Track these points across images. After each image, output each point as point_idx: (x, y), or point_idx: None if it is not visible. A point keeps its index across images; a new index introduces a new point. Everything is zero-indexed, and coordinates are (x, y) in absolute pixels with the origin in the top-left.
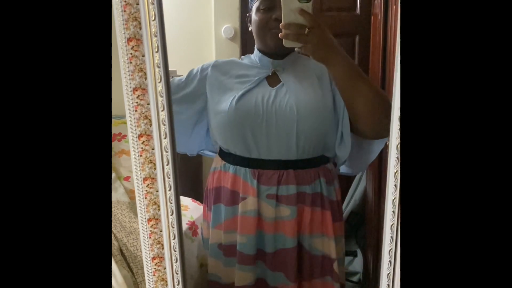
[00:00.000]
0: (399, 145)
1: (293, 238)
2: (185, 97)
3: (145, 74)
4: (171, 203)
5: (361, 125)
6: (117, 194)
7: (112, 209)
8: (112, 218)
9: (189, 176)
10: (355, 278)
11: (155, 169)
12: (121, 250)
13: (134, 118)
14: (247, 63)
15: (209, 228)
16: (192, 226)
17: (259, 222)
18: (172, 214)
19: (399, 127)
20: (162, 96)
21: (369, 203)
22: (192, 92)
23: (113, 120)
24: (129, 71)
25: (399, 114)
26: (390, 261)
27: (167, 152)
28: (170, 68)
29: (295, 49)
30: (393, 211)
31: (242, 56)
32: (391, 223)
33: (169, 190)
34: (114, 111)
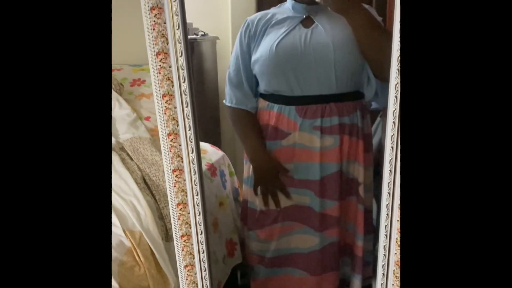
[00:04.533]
0: (398, 85)
1: (338, 163)
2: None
3: None
4: (188, 119)
5: (376, 70)
6: (139, 132)
7: (135, 144)
8: (135, 152)
9: (207, 124)
10: None
11: (172, 86)
12: (144, 180)
13: (152, 37)
14: (281, 11)
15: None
16: (211, 167)
17: (305, 153)
18: (190, 130)
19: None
20: (177, 15)
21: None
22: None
23: (132, 68)
24: None
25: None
26: (387, 214)
27: (183, 70)
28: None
29: (317, 0)
30: (390, 170)
31: (273, 8)
32: (388, 181)
33: (186, 106)
34: (133, 60)
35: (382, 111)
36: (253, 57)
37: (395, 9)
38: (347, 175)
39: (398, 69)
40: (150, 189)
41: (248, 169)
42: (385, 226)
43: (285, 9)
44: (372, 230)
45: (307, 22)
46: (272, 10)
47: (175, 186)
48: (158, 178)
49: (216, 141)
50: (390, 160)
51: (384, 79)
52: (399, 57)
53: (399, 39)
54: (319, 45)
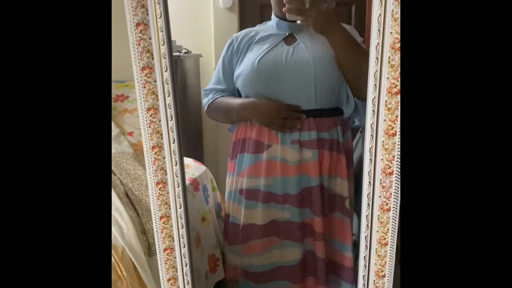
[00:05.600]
0: (375, 99)
1: (316, 178)
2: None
3: (147, 10)
4: (172, 132)
5: (355, 90)
6: (122, 146)
7: (118, 159)
8: (118, 167)
9: (190, 139)
10: None
11: (157, 100)
12: (126, 194)
13: (137, 52)
14: (265, 29)
15: (233, 178)
16: (194, 182)
17: (284, 167)
18: (174, 142)
19: (374, 82)
20: (162, 31)
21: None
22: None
23: (115, 84)
24: (132, 7)
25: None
26: (367, 225)
27: (168, 84)
28: None
29: (297, 21)
30: (369, 182)
31: (258, 24)
32: (369, 170)
33: (171, 120)
34: (116, 77)
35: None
36: (236, 72)
37: (371, 26)
38: (329, 191)
39: (375, 84)
40: (133, 204)
41: (231, 183)
42: (365, 237)
43: (269, 26)
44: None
45: (289, 39)
46: (257, 27)
47: (158, 199)
48: (141, 193)
49: (198, 156)
50: (369, 171)
51: (363, 98)
52: (376, 72)
53: (375, 54)
54: (300, 61)
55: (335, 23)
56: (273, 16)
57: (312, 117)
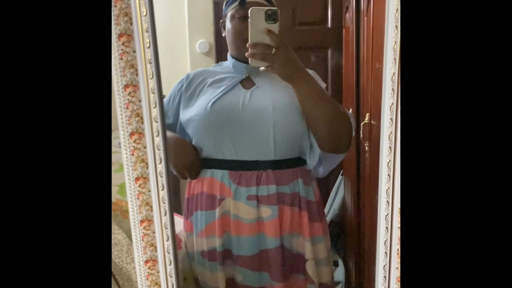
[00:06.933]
0: (390, 162)
1: (276, 238)
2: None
3: (136, 70)
4: (164, 203)
5: (319, 141)
6: None
7: None
8: None
9: None
10: None
11: (147, 168)
12: None
13: (125, 116)
14: (220, 70)
15: (192, 239)
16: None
17: (238, 225)
18: (165, 215)
19: (388, 145)
20: (154, 93)
21: (348, 212)
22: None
23: None
24: (120, 67)
25: (389, 132)
26: (384, 276)
27: (159, 150)
28: None
29: (260, 68)
30: (386, 227)
31: (214, 64)
32: (385, 239)
33: (162, 189)
34: None
35: (342, 169)
36: (186, 116)
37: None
38: (290, 250)
39: (391, 118)
40: (113, 274)
41: (190, 244)
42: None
43: (226, 67)
44: None
45: (247, 82)
46: (213, 68)
47: (147, 278)
48: (121, 260)
49: (176, 208)
50: (385, 241)
51: (328, 150)
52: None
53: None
54: (258, 108)
55: (302, 70)
56: (229, 57)
57: (271, 169)
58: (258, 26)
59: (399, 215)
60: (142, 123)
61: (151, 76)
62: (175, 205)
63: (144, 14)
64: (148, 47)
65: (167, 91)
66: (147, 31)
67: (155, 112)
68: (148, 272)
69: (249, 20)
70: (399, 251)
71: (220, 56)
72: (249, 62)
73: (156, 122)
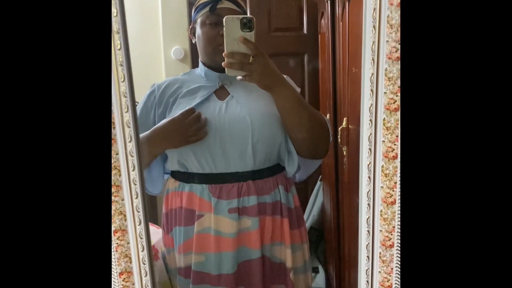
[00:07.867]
0: (370, 165)
1: (257, 250)
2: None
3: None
4: (138, 212)
5: (298, 147)
6: None
7: None
8: None
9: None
10: None
11: (120, 175)
12: None
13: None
14: (192, 79)
15: (173, 255)
16: (153, 249)
17: (218, 241)
18: (140, 224)
19: (368, 147)
20: (126, 97)
21: (327, 218)
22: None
23: None
24: None
25: (369, 134)
26: (367, 281)
27: (132, 156)
28: None
29: (237, 77)
30: (368, 231)
31: (183, 73)
32: (367, 243)
33: (136, 198)
34: None
35: (321, 175)
36: None
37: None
38: (272, 260)
39: (369, 148)
40: None
41: (170, 260)
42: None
43: (197, 76)
44: None
45: (221, 93)
46: (182, 76)
47: None
48: None
49: (154, 218)
50: (367, 245)
51: (307, 156)
52: (370, 136)
53: (369, 116)
54: (234, 119)
55: (281, 77)
56: (200, 64)
57: (251, 180)
58: (234, 35)
59: (381, 218)
60: (114, 128)
61: (122, 79)
62: (151, 215)
63: (115, 14)
64: (119, 49)
65: (139, 97)
66: (118, 33)
67: (127, 116)
68: (122, 284)
69: (224, 29)
70: (381, 255)
71: (196, 63)
72: (226, 71)
73: (129, 127)
